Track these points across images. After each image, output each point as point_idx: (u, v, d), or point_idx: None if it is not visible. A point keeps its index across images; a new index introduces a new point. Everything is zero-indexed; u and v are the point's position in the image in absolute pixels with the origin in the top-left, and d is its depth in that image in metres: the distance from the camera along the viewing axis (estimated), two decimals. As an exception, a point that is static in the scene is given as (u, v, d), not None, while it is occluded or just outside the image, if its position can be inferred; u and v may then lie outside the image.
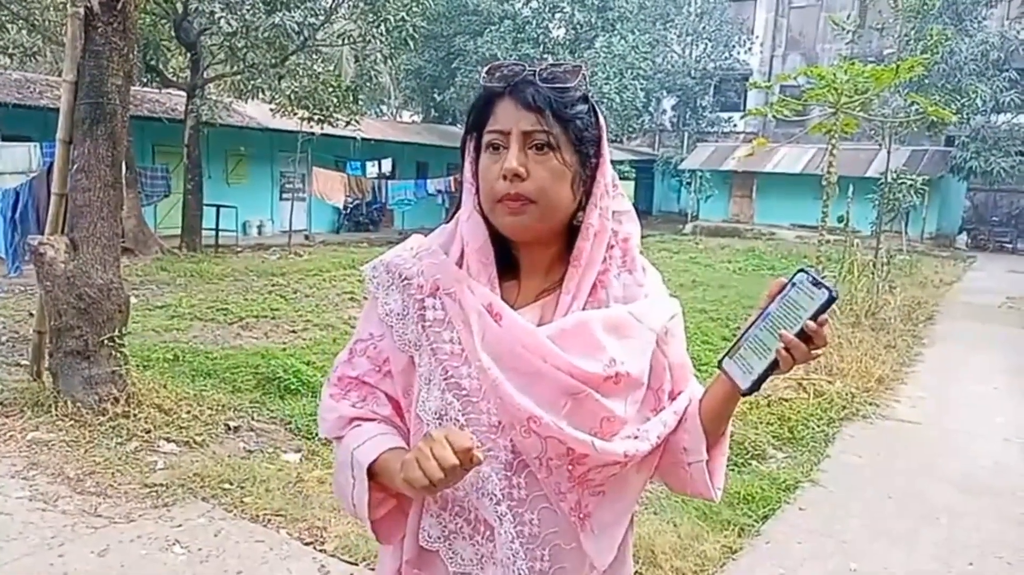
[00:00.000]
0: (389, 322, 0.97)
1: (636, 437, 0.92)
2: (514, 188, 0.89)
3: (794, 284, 0.84)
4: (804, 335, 0.82)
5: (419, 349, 0.95)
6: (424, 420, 0.92)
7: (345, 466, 0.96)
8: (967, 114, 16.64)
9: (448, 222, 1.01)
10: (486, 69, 0.94)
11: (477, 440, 0.84)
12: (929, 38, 8.68)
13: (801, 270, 0.85)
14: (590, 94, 0.95)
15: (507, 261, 0.96)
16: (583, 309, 0.93)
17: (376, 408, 0.99)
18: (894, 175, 12.91)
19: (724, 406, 0.95)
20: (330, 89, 11.57)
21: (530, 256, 0.96)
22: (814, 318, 0.82)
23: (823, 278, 0.83)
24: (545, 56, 17.99)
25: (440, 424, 0.91)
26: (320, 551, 2.74)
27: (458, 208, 0.99)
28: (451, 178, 15.52)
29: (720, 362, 0.90)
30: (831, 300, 0.81)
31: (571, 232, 0.95)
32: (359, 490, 0.94)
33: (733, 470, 3.69)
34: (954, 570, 2.90)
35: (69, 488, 3.11)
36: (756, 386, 0.86)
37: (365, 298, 1.05)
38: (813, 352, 0.84)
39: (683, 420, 0.97)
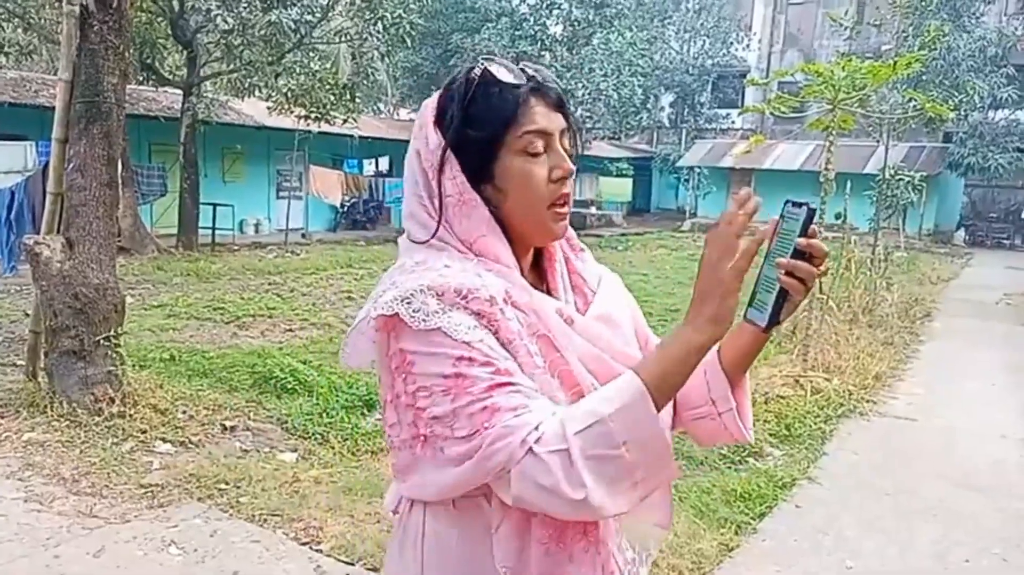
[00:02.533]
0: (467, 338, 0.81)
1: None
2: (567, 188, 0.89)
3: (783, 216, 0.86)
4: (801, 255, 0.83)
5: (507, 360, 0.84)
6: None
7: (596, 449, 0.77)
8: (965, 110, 16.65)
9: (425, 243, 0.89)
10: (485, 65, 0.87)
11: None
12: (927, 34, 8.67)
13: (786, 200, 0.87)
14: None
15: None
16: (574, 301, 0.97)
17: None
18: (892, 171, 12.90)
19: (749, 352, 0.96)
20: (327, 87, 11.54)
21: (528, 256, 0.96)
22: (802, 236, 0.83)
23: (803, 200, 0.85)
24: (542, 54, 17.97)
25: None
26: (316, 551, 2.74)
27: (438, 228, 0.88)
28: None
29: (744, 314, 0.90)
30: (811, 213, 0.84)
31: None
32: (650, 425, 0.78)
33: (730, 468, 3.69)
34: (950, 567, 2.90)
35: (65, 489, 3.10)
36: (774, 319, 0.86)
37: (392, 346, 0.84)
38: (818, 268, 0.83)
39: (704, 372, 0.97)
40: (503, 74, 0.86)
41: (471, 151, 0.87)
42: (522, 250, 0.93)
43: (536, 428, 0.78)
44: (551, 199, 0.88)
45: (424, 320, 0.81)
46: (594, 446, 0.77)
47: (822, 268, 0.83)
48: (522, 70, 0.88)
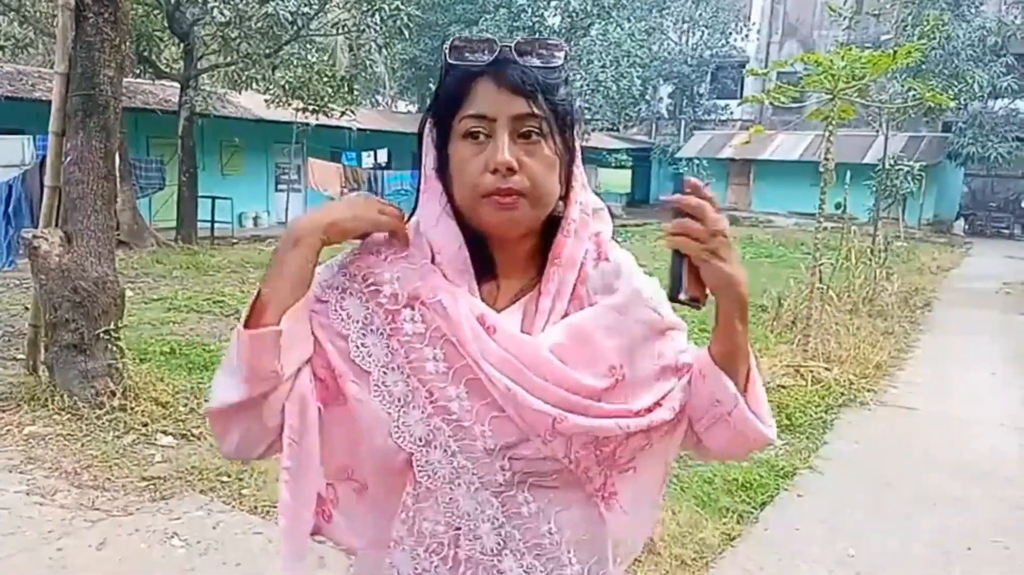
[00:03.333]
0: (345, 330, 0.83)
1: (659, 405, 0.86)
2: (504, 183, 0.78)
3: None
4: (683, 216, 0.80)
5: (387, 368, 0.82)
6: (404, 448, 0.81)
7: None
8: (964, 100, 16.61)
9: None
10: (449, 45, 0.81)
11: (471, 467, 0.80)
12: (926, 24, 8.65)
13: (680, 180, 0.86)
14: (570, 76, 0.86)
15: (479, 259, 0.86)
16: (566, 311, 0.85)
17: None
18: (891, 161, 12.90)
19: (719, 337, 0.87)
20: (324, 79, 11.50)
21: (508, 253, 0.86)
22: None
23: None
24: (541, 45, 17.87)
25: (426, 451, 0.81)
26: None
27: (413, 211, 0.87)
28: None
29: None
30: (676, 176, 0.82)
31: (547, 224, 0.87)
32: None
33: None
34: (952, 555, 2.91)
35: (67, 482, 3.10)
36: (677, 286, 0.81)
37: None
38: (705, 226, 0.78)
39: (701, 377, 0.88)
40: (459, 55, 0.81)
41: (434, 135, 0.85)
42: (496, 242, 0.86)
43: None
44: (485, 190, 0.79)
45: (318, 293, 0.85)
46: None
47: (709, 222, 0.78)
48: (485, 49, 0.80)
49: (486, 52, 0.80)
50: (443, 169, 0.84)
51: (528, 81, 0.79)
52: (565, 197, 0.87)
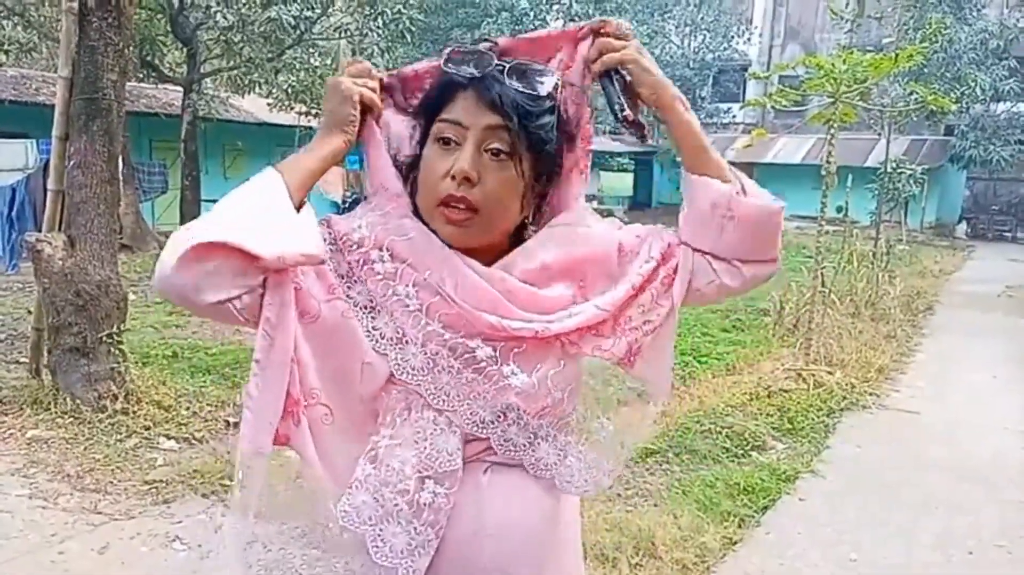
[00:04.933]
0: (336, 283, 0.86)
1: (648, 260, 0.91)
2: (460, 191, 0.81)
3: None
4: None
5: (375, 311, 0.85)
6: (409, 383, 0.84)
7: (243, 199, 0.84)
8: (966, 103, 16.59)
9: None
10: (447, 52, 0.85)
11: (480, 379, 0.83)
12: (928, 27, 8.63)
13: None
14: (559, 105, 0.86)
15: None
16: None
17: None
18: (893, 165, 12.87)
19: (680, 144, 0.92)
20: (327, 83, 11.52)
21: (471, 254, 0.89)
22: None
23: None
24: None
25: (431, 377, 0.83)
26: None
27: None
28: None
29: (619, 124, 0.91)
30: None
31: (514, 236, 0.90)
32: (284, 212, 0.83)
33: (733, 461, 3.69)
34: (954, 559, 2.90)
35: (69, 485, 3.11)
36: (617, 104, 0.86)
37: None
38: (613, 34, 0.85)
39: (691, 199, 0.91)
40: (452, 65, 0.84)
41: (416, 132, 0.89)
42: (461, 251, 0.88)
43: None
44: (440, 195, 0.82)
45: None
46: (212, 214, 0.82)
47: (614, 28, 0.85)
48: (476, 64, 0.82)
49: (477, 66, 0.82)
50: (414, 165, 0.88)
51: (507, 101, 0.81)
52: (536, 219, 0.90)
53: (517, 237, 0.90)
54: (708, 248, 0.89)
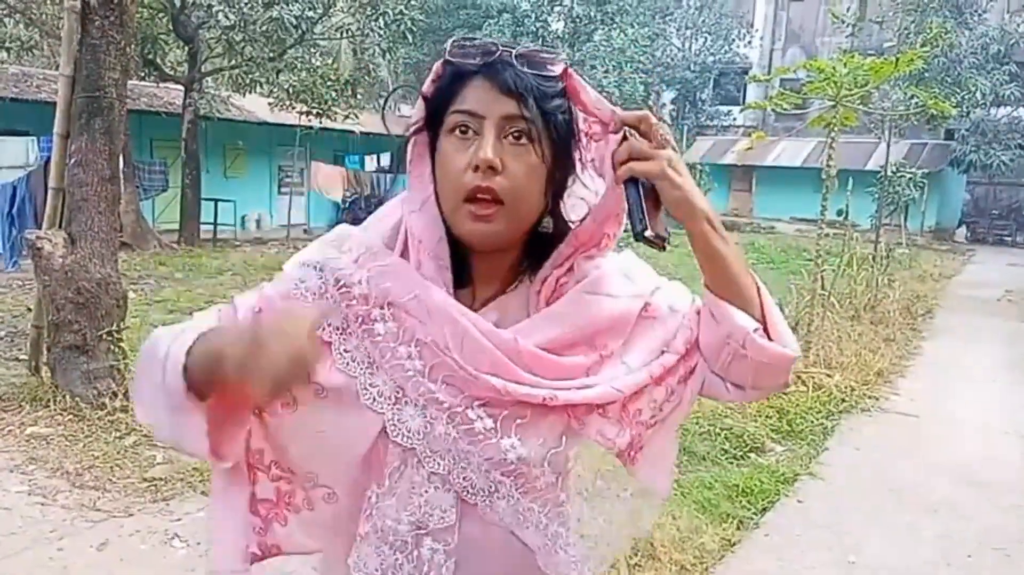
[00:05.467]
0: (328, 337, 0.81)
1: (664, 351, 0.85)
2: (485, 181, 0.76)
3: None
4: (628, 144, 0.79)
5: (373, 368, 0.81)
6: (404, 443, 0.80)
7: (151, 361, 0.77)
8: (967, 107, 16.61)
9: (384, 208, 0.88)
10: (451, 43, 0.81)
11: (475, 450, 0.79)
12: (929, 31, 8.66)
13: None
14: (584, 86, 0.82)
15: (456, 266, 0.82)
16: (558, 282, 0.84)
17: None
18: (894, 168, 12.90)
19: (704, 266, 0.84)
20: (328, 83, 11.54)
21: (486, 264, 0.84)
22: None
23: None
24: (544, 50, 17.94)
25: (427, 442, 0.80)
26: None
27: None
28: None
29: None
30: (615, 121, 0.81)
31: (533, 236, 0.84)
32: (171, 377, 0.74)
33: (732, 463, 3.70)
34: (953, 562, 2.90)
35: (68, 482, 3.11)
36: (639, 219, 0.78)
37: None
38: (649, 140, 0.78)
39: (710, 317, 0.85)
40: (458, 54, 0.80)
41: (425, 122, 0.84)
42: (475, 251, 0.83)
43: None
44: (466, 189, 0.77)
45: (298, 293, 0.83)
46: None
47: (654, 135, 0.78)
48: (483, 51, 0.79)
49: (483, 54, 0.79)
50: (432, 166, 0.83)
51: (520, 84, 0.77)
52: (554, 211, 0.84)
53: (532, 239, 0.85)
54: (718, 371, 0.87)
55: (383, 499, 0.82)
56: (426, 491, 0.81)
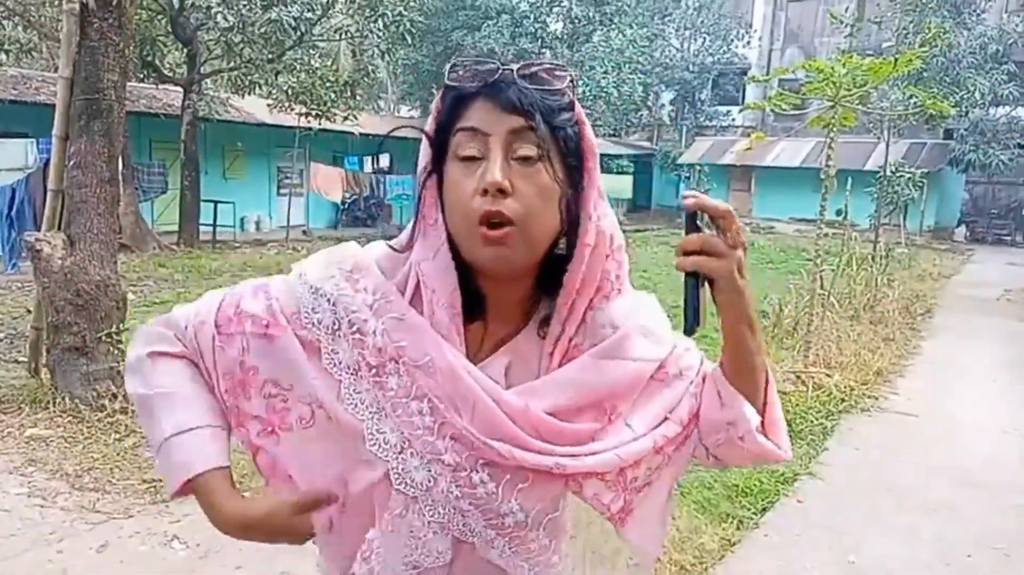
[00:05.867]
0: (337, 376, 0.80)
1: (667, 419, 0.84)
2: (495, 205, 0.73)
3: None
4: (696, 228, 0.76)
5: (380, 416, 0.79)
6: (405, 491, 0.80)
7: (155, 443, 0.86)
8: (965, 107, 16.62)
9: (398, 241, 0.85)
10: (450, 66, 0.78)
11: (474, 510, 0.80)
12: (927, 31, 8.67)
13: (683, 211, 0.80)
14: (576, 99, 0.80)
15: (468, 296, 0.80)
16: (570, 342, 0.82)
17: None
18: (893, 168, 12.92)
19: (731, 359, 0.83)
20: (327, 84, 11.55)
21: (500, 292, 0.81)
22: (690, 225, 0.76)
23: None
24: (543, 51, 17.94)
25: (428, 494, 0.79)
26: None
27: (414, 231, 0.82)
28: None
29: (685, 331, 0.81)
30: (679, 182, 0.79)
31: (548, 262, 0.80)
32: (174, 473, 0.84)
33: (732, 463, 3.69)
34: (952, 562, 2.90)
35: (67, 484, 3.11)
36: (694, 318, 0.76)
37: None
38: (728, 236, 0.74)
39: (716, 397, 0.85)
40: (456, 75, 0.77)
41: (432, 161, 0.80)
42: (487, 280, 0.80)
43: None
44: (476, 214, 0.73)
45: (311, 321, 0.83)
46: (145, 416, 0.90)
47: (733, 234, 0.74)
48: (483, 71, 0.76)
49: (484, 74, 0.76)
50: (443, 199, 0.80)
51: (525, 100, 0.74)
52: (570, 232, 0.80)
53: (547, 263, 0.82)
54: (707, 445, 0.88)
55: (382, 541, 0.82)
56: (424, 535, 0.81)
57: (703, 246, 0.75)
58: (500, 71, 0.75)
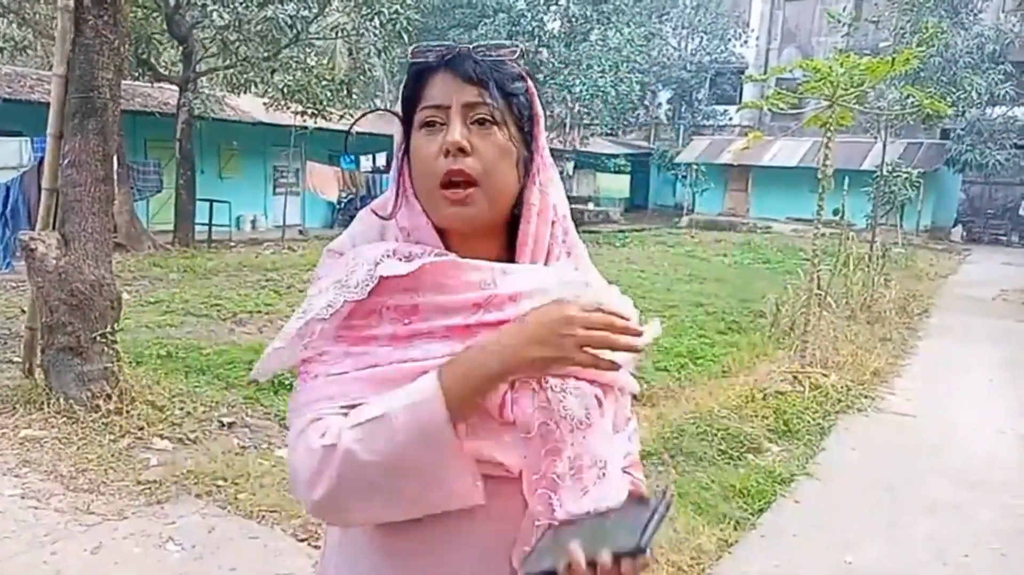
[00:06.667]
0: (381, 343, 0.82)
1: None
2: (457, 164, 0.80)
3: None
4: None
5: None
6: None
7: (389, 437, 0.75)
8: (962, 107, 16.67)
9: (382, 208, 0.89)
10: (412, 49, 0.86)
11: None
12: (924, 31, 8.68)
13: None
14: (526, 71, 0.87)
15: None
16: None
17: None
18: (889, 168, 12.94)
19: None
20: (323, 83, 11.52)
21: (471, 250, 0.86)
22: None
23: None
24: (540, 49, 17.93)
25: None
26: (315, 547, 2.73)
27: (397, 199, 0.88)
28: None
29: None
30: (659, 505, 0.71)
31: (512, 221, 0.87)
32: (449, 457, 0.75)
33: (729, 463, 3.70)
34: (949, 562, 2.91)
35: (62, 485, 3.09)
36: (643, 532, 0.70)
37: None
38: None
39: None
40: (419, 55, 0.85)
41: (403, 135, 0.87)
42: (456, 240, 0.86)
43: (321, 419, 0.78)
44: (439, 174, 0.81)
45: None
46: (370, 441, 0.75)
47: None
48: (434, 50, 0.84)
49: (444, 51, 0.84)
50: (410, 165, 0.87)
51: (480, 71, 0.82)
52: (523, 200, 0.86)
53: (512, 233, 0.88)
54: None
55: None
56: None
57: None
58: (457, 48, 0.84)
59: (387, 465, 0.75)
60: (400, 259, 0.82)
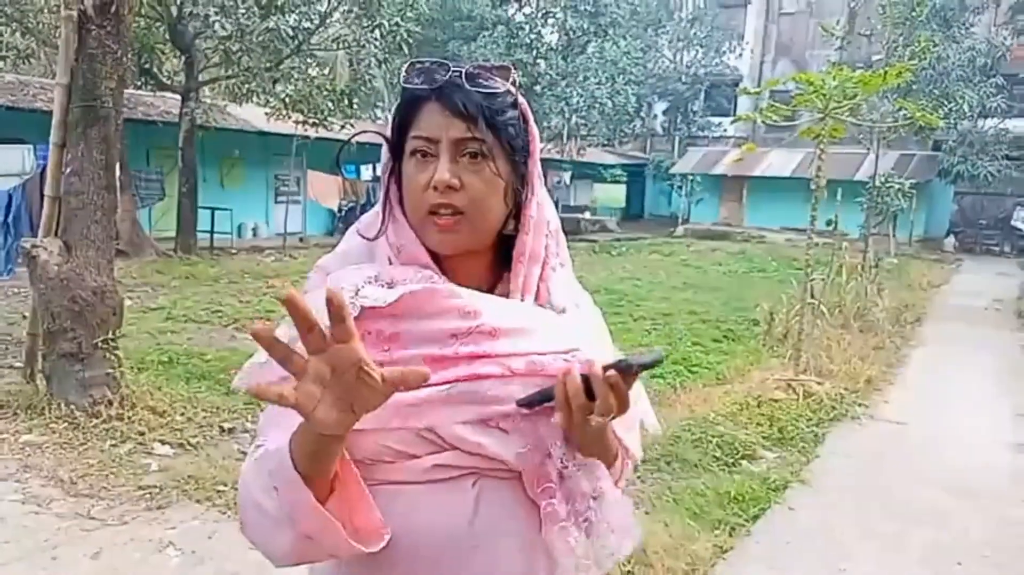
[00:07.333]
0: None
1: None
2: (445, 198, 0.83)
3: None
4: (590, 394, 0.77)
5: None
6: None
7: (255, 483, 0.79)
8: (954, 119, 16.81)
9: (367, 230, 0.91)
10: (405, 67, 0.87)
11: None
12: (917, 44, 8.78)
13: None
14: (519, 98, 0.88)
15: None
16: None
17: None
18: (882, 179, 13.01)
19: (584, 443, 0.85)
20: (324, 93, 11.59)
21: (461, 269, 0.89)
22: (617, 369, 0.76)
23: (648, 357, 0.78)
24: (538, 62, 18.05)
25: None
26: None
27: (384, 218, 0.90)
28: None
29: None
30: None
31: (500, 241, 0.91)
32: (289, 489, 0.75)
33: (724, 470, 3.73)
34: (942, 570, 2.94)
35: (62, 491, 3.11)
36: (527, 402, 0.81)
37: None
38: (596, 413, 0.77)
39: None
40: (412, 79, 0.86)
41: (393, 159, 0.90)
42: (447, 260, 0.88)
43: (261, 447, 0.81)
44: (428, 206, 0.84)
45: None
46: (256, 477, 0.79)
47: (596, 419, 0.77)
48: (434, 73, 0.84)
49: (435, 77, 0.84)
50: (399, 184, 0.89)
51: (469, 106, 0.83)
52: (521, 212, 0.89)
53: (503, 248, 0.91)
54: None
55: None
56: None
57: (576, 401, 0.78)
58: (449, 74, 0.84)
59: (258, 505, 0.79)
60: (383, 285, 0.84)
